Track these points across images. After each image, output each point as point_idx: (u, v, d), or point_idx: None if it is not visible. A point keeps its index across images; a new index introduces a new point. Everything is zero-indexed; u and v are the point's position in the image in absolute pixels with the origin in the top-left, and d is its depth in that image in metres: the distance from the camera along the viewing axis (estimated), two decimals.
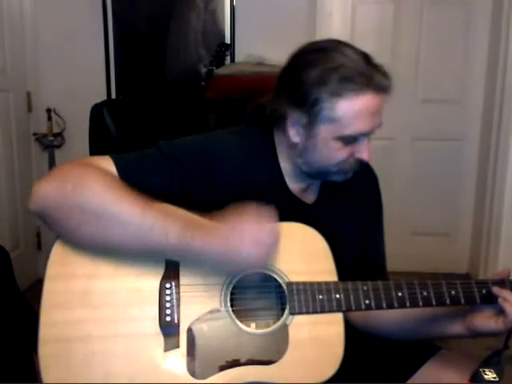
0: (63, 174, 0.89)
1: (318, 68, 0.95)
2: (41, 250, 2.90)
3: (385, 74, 0.97)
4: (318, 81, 0.95)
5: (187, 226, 0.86)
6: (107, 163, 0.94)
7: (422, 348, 1.11)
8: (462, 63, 2.94)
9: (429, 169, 3.05)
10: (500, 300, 0.94)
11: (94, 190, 0.86)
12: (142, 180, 0.95)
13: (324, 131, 0.98)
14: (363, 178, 1.16)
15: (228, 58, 2.84)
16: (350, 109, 0.95)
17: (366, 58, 0.97)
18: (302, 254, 1.00)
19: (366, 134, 0.99)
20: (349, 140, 0.98)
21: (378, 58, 0.99)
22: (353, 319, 1.11)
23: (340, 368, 0.95)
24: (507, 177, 2.70)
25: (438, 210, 3.09)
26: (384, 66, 0.98)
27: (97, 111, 1.49)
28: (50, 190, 0.87)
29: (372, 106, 0.96)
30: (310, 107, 0.96)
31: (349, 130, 0.97)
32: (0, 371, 1.52)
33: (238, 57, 2.83)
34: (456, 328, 0.98)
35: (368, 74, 0.94)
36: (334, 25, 2.85)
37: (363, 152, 1.00)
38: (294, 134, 1.01)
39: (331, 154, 1.00)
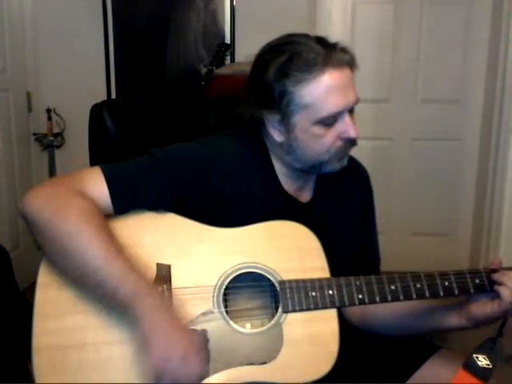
0: (50, 194, 0.90)
1: (274, 65, 0.96)
2: (41, 249, 2.90)
3: (343, 49, 0.97)
4: (277, 76, 0.96)
5: (138, 293, 0.85)
6: (98, 181, 0.94)
7: (421, 347, 1.11)
8: (462, 63, 2.94)
9: (429, 169, 3.05)
10: (496, 286, 0.94)
11: (67, 222, 0.87)
12: (133, 197, 0.95)
13: (300, 121, 0.97)
14: (355, 175, 1.17)
15: (228, 58, 2.84)
16: (316, 91, 0.94)
17: (320, 40, 0.97)
18: (295, 252, 0.99)
19: (343, 111, 0.97)
20: (328, 121, 0.97)
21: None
22: (350, 317, 1.11)
23: (340, 368, 0.95)
24: (507, 177, 2.70)
25: (438, 210, 3.08)
26: (341, 41, 0.99)
27: (96, 111, 1.49)
28: (33, 205, 0.89)
29: (338, 82, 0.95)
30: (279, 103, 0.97)
31: (323, 112, 0.95)
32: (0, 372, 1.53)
33: (238, 57, 2.83)
34: (454, 319, 0.98)
35: (324, 53, 0.94)
36: (334, 25, 2.85)
37: (348, 130, 0.98)
38: (276, 135, 1.02)
39: (317, 142, 0.98)
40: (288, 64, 0.95)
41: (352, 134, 0.98)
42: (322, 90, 0.94)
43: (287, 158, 1.04)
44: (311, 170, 1.05)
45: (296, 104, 0.96)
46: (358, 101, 0.99)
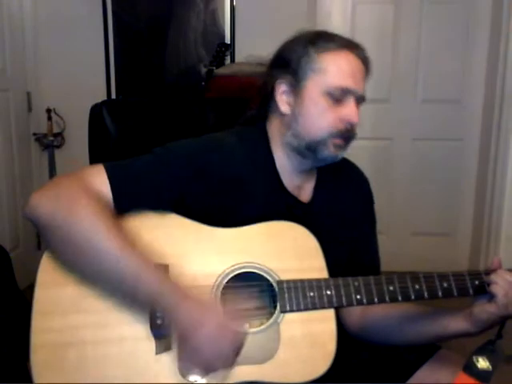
0: (58, 195, 0.90)
1: (303, 37, 1.05)
2: (41, 250, 2.90)
3: (363, 50, 1.05)
4: (303, 43, 1.03)
5: (160, 286, 0.87)
6: (101, 179, 0.94)
7: (421, 347, 1.10)
8: (462, 63, 2.94)
9: (429, 169, 3.05)
10: (490, 286, 0.95)
11: (81, 222, 0.87)
12: (134, 197, 0.96)
13: (311, 85, 1.02)
14: (356, 182, 1.18)
15: (228, 58, 2.85)
16: (333, 60, 1.01)
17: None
18: (293, 252, 0.99)
19: (351, 92, 1.01)
20: (336, 94, 1.00)
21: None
22: (350, 327, 1.11)
23: (339, 368, 0.95)
24: (507, 177, 2.70)
25: (438, 210, 3.09)
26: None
27: (96, 111, 1.49)
28: (43, 208, 0.89)
29: (353, 65, 1.02)
30: (295, 65, 1.02)
31: (334, 81, 1.00)
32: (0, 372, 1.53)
33: (238, 57, 2.83)
34: (459, 323, 0.97)
35: (347, 39, 1.04)
36: (334, 25, 2.84)
37: (351, 114, 1.01)
38: (284, 103, 1.05)
39: (320, 114, 1.01)
40: (313, 38, 1.03)
41: (354, 118, 1.01)
42: (337, 62, 1.01)
43: (287, 134, 1.05)
44: (306, 152, 1.04)
45: (312, 68, 1.01)
46: (364, 98, 1.04)
